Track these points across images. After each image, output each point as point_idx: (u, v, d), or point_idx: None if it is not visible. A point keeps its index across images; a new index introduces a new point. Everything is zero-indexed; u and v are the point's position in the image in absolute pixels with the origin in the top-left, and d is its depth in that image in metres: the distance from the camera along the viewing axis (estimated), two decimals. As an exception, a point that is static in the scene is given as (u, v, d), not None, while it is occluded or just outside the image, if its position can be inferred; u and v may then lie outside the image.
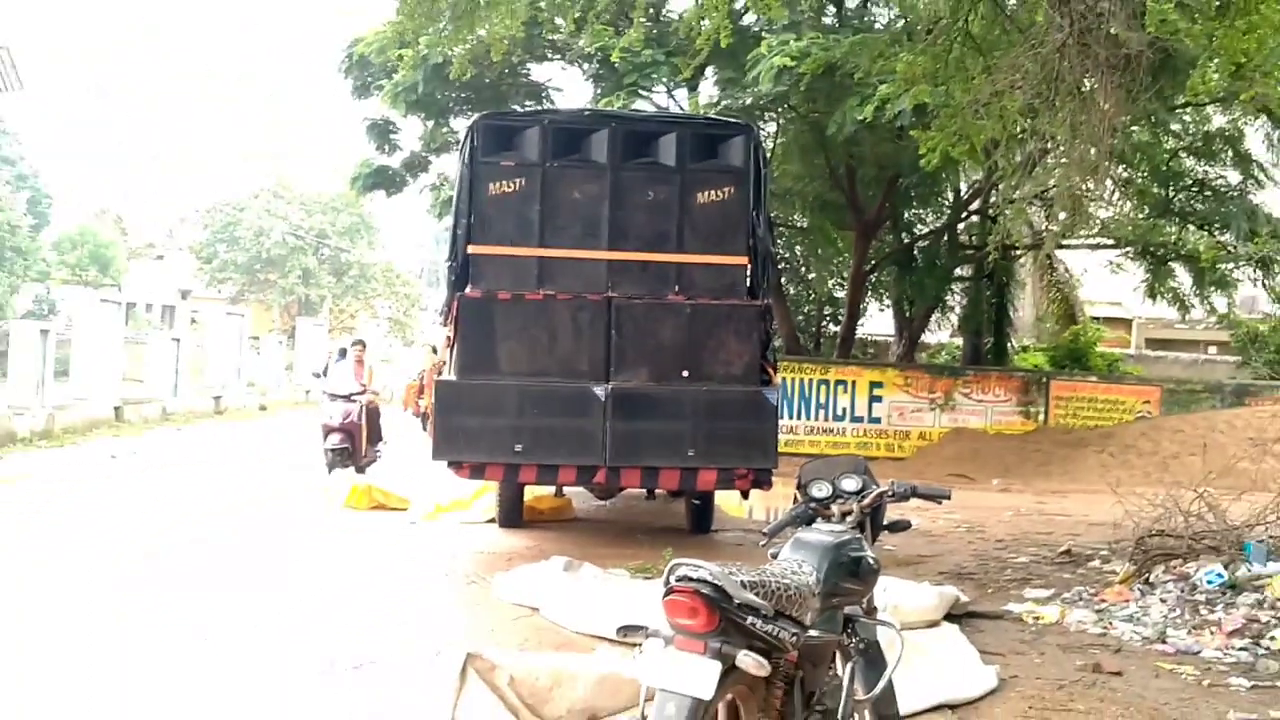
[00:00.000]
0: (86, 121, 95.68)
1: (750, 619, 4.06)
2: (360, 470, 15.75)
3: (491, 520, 12.45)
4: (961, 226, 27.70)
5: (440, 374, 12.45)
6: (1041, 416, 24.09)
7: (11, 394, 20.86)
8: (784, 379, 21.00)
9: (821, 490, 5.34)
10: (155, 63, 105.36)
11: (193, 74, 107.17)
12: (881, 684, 4.86)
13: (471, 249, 11.28)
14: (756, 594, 4.13)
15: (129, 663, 6.69)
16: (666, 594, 4.05)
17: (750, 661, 3.96)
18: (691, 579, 4.02)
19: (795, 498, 5.46)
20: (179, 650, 7.09)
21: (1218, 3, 12.01)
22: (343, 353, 17.30)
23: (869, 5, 22.57)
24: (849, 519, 5.18)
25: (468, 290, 11.17)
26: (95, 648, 7.07)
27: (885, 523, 5.49)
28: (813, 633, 4.41)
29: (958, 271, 27.72)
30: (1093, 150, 12.24)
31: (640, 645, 4.18)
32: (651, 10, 21.23)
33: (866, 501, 5.26)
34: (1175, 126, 22.98)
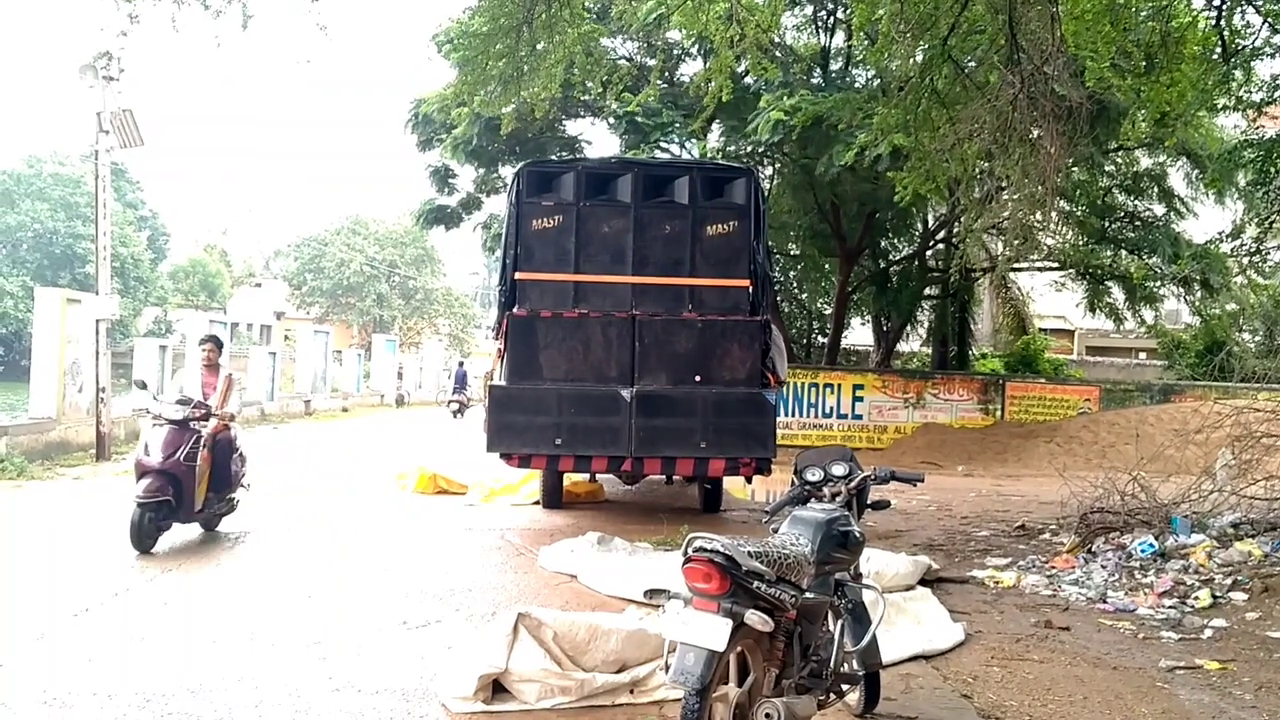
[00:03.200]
0: (197, 171, 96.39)
1: (756, 583, 4.06)
2: (208, 527, 10.04)
3: (536, 502, 12.45)
4: (930, 253, 27.63)
5: (492, 380, 12.45)
6: (998, 413, 23.98)
7: (135, 400, 20.95)
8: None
9: (814, 475, 5.35)
10: (250, 118, 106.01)
11: (282, 124, 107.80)
12: (867, 638, 4.86)
13: (518, 275, 11.32)
14: (761, 562, 4.12)
15: (261, 619, 6.72)
16: (685, 563, 4.06)
17: (756, 619, 3.96)
18: (706, 550, 4.02)
19: (792, 481, 5.47)
20: (295, 608, 7.14)
21: (1145, 62, 11.95)
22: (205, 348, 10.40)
23: (850, 68, 22.52)
24: (838, 499, 5.19)
25: (515, 310, 11.19)
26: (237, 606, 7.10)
27: (869, 502, 5.48)
28: (809, 595, 4.41)
29: (927, 291, 27.65)
30: (1040, 187, 12.23)
31: (663, 606, 4.17)
32: (666, 74, 21.27)
33: (853, 484, 5.27)
34: (1109, 167, 22.98)
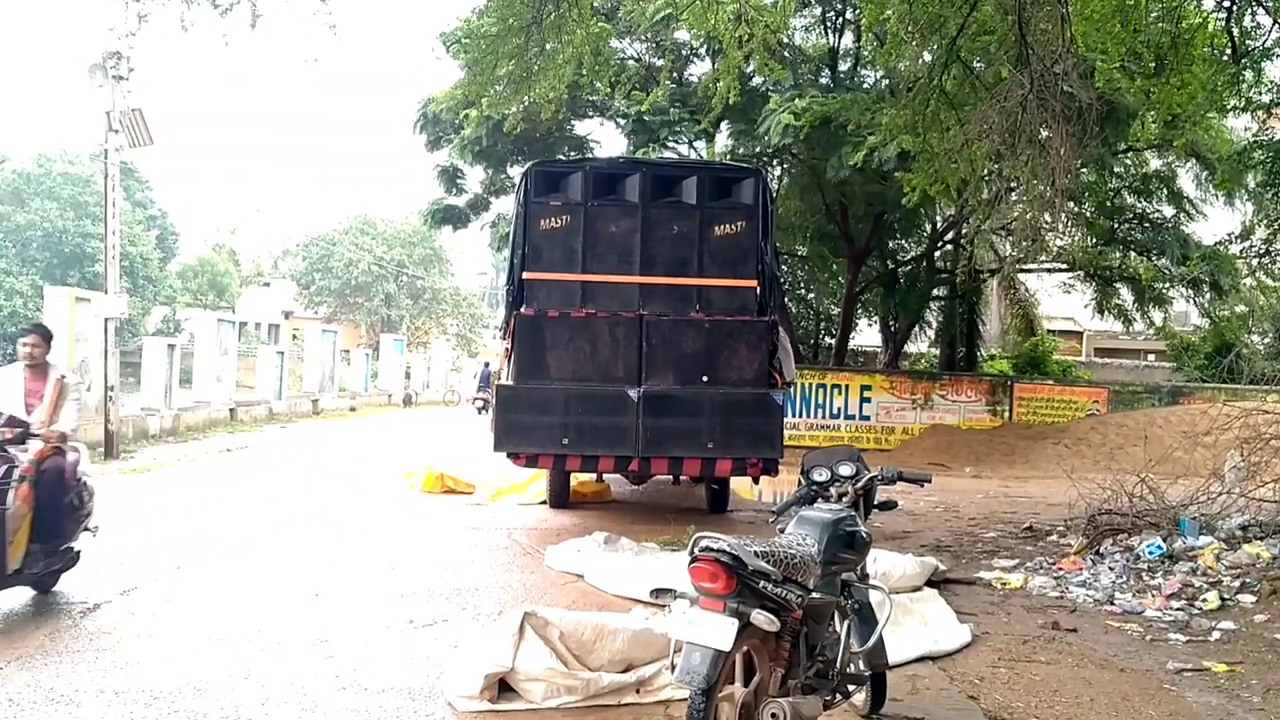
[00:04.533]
0: (206, 170, 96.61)
1: (762, 583, 4.05)
2: (39, 588, 7.24)
3: (543, 502, 12.46)
4: (938, 254, 27.59)
5: (500, 379, 12.46)
6: (1006, 414, 23.93)
7: (144, 398, 21.04)
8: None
9: (821, 475, 5.34)
10: (259, 117, 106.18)
11: (290, 123, 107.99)
12: (874, 638, 4.85)
13: (525, 275, 11.32)
14: (767, 562, 4.12)
15: (268, 618, 6.73)
16: (691, 562, 4.06)
17: (762, 619, 3.95)
18: (712, 549, 4.02)
19: (799, 482, 5.46)
20: (301, 607, 7.16)
21: (1155, 63, 11.93)
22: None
23: (858, 68, 22.52)
24: (845, 499, 5.18)
25: (522, 309, 11.19)
26: (239, 610, 7.12)
27: (876, 503, 5.47)
28: (815, 595, 4.40)
29: (935, 292, 27.61)
30: (1049, 188, 12.18)
31: (669, 605, 4.17)
32: (674, 75, 21.26)
33: (860, 484, 5.26)
34: (1118, 168, 22.91)
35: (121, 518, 10.92)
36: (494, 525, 11.12)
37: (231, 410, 24.42)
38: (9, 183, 51.52)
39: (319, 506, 12.08)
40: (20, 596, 7.18)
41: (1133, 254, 24.71)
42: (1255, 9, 11.77)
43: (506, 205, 23.92)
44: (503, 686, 5.32)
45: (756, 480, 11.93)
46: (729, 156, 20.72)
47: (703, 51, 21.60)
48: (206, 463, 16.90)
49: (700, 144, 22.18)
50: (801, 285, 30.54)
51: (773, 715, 4.12)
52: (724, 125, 21.29)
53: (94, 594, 7.33)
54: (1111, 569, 8.95)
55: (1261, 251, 19.49)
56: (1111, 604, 8.09)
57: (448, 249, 66.49)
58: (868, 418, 23.33)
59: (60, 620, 6.61)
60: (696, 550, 4.07)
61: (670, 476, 13.30)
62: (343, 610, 7.14)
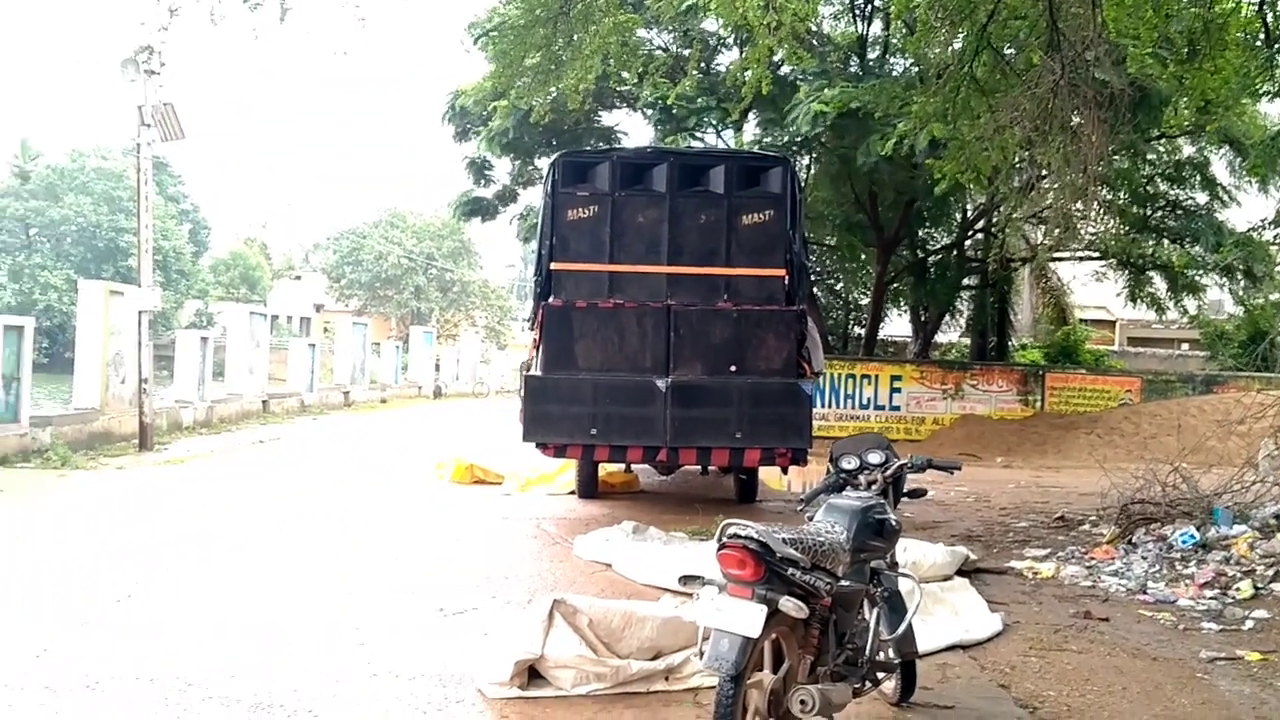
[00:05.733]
0: (237, 163, 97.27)
1: (790, 570, 4.05)
2: None
3: (571, 492, 12.48)
4: (968, 243, 27.44)
5: (529, 370, 12.49)
6: (1038, 404, 23.76)
7: (178, 391, 21.22)
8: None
9: (850, 463, 5.32)
10: (289, 112, 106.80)
11: (319, 116, 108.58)
12: (903, 626, 4.84)
13: (553, 266, 11.32)
14: (796, 550, 4.12)
15: (300, 606, 6.79)
16: (719, 549, 4.06)
17: (791, 605, 3.95)
18: (740, 536, 4.02)
19: (828, 470, 5.44)
20: (333, 595, 7.21)
21: (1188, 49, 11.80)
22: None
23: (887, 56, 22.39)
24: (874, 487, 5.16)
25: (551, 300, 11.20)
26: (264, 598, 7.19)
27: (905, 490, 5.44)
28: (844, 583, 4.39)
29: (965, 281, 27.45)
30: (1081, 176, 12.09)
31: (697, 592, 4.17)
32: (702, 64, 21.22)
33: (889, 472, 5.23)
34: (1151, 155, 22.70)
35: (157, 507, 11.07)
36: (523, 515, 11.16)
37: (264, 402, 24.58)
38: (44, 178, 52.19)
39: (351, 497, 12.17)
40: (54, 586, 7.27)
41: (1165, 241, 24.47)
42: (1290, -7, 11.61)
43: (534, 197, 23.97)
44: (532, 674, 5.34)
45: (785, 470, 11.90)
46: (758, 146, 20.64)
47: (730, 41, 21.53)
48: (240, 454, 17.04)
49: (728, 134, 22.10)
50: (831, 275, 30.42)
51: (801, 702, 4.11)
52: (752, 115, 21.21)
53: (129, 581, 7.41)
54: (1144, 558, 8.88)
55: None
56: (1144, 593, 8.03)
57: (476, 241, 66.70)
58: (898, 408, 23.23)
59: (95, 607, 6.69)
60: (725, 537, 4.07)
61: (698, 467, 13.26)
62: (374, 598, 7.19)
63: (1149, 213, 23.55)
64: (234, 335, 24.61)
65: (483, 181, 25.36)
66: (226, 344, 24.74)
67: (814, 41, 18.92)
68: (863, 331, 28.34)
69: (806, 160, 23.06)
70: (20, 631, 6.11)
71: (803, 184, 16.07)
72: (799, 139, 19.99)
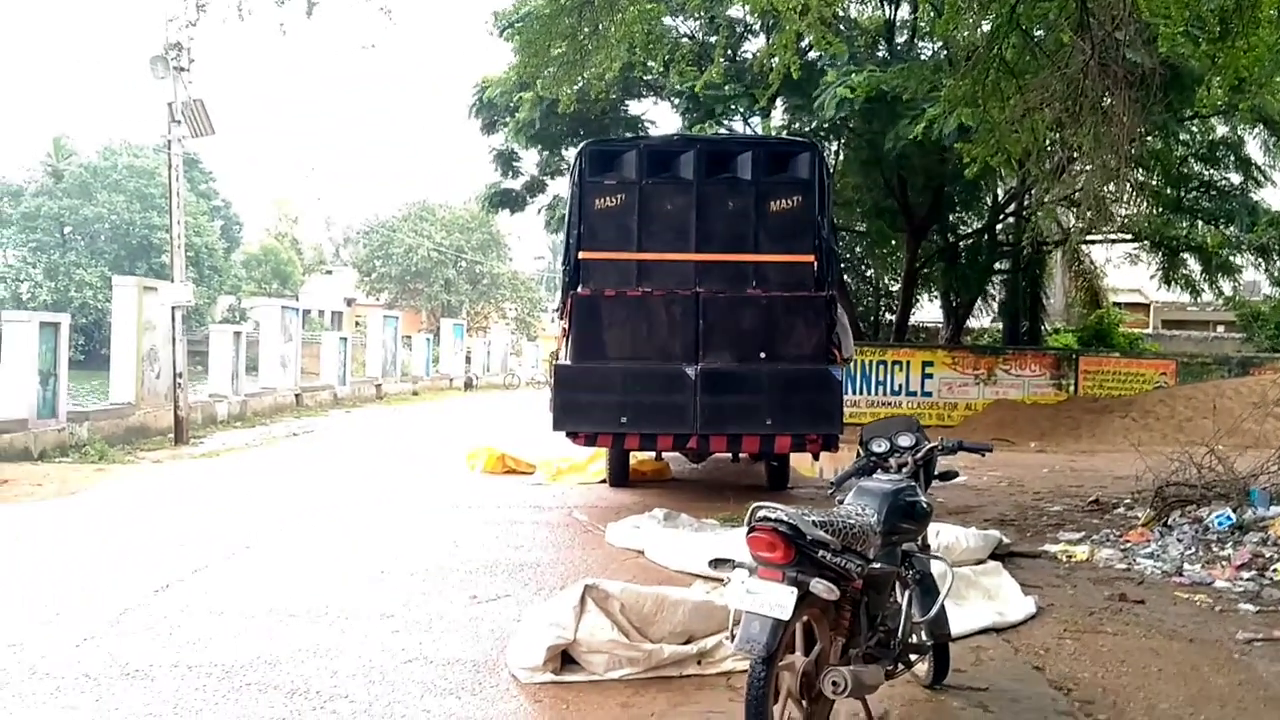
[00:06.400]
0: (268, 159, 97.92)
1: (821, 552, 4.05)
2: None
3: (602, 480, 12.51)
4: (1000, 227, 27.23)
5: (558, 360, 12.52)
6: (1072, 388, 23.56)
7: (212, 385, 21.45)
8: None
9: (880, 446, 5.30)
10: (317, 104, 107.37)
11: (344, 112, 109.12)
12: (935, 608, 4.82)
13: (582, 255, 11.35)
14: (826, 532, 4.11)
15: (335, 594, 6.86)
16: (749, 532, 4.06)
17: (822, 587, 3.95)
18: (770, 519, 4.03)
19: (858, 453, 5.43)
20: (367, 584, 7.28)
21: (1220, 27, 11.65)
22: None
23: (915, 40, 22.24)
24: (905, 470, 5.14)
25: (579, 289, 11.23)
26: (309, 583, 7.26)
27: (937, 473, 5.43)
28: (875, 565, 4.38)
29: (997, 265, 27.24)
30: (1113, 158, 11.98)
31: (728, 576, 4.18)
32: (729, 51, 21.15)
33: (919, 455, 5.21)
34: (1184, 136, 22.42)
35: (194, 500, 11.19)
36: (555, 504, 11.20)
37: (297, 396, 24.79)
38: (77, 177, 52.72)
39: (384, 487, 12.25)
40: (92, 578, 7.38)
41: (1200, 223, 24.22)
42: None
43: (562, 187, 23.96)
44: (565, 658, 5.38)
45: (816, 457, 11.86)
46: (785, 132, 20.57)
47: (757, 28, 21.45)
48: (274, 447, 17.20)
49: (756, 120, 22.03)
50: (861, 261, 30.29)
51: (834, 684, 4.11)
52: (780, 101, 21.13)
53: (167, 572, 7.50)
54: (1180, 540, 8.81)
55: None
56: (1180, 575, 7.97)
57: (505, 233, 66.93)
58: (930, 394, 23.09)
59: (134, 597, 6.78)
60: (754, 520, 4.07)
61: (729, 454, 13.27)
62: (408, 587, 7.25)
63: (1182, 194, 23.29)
64: (266, 330, 24.82)
65: (510, 173, 25.40)
66: (259, 338, 24.98)
67: (841, 26, 18.83)
68: (893, 317, 28.19)
69: (835, 146, 22.97)
70: (61, 621, 6.21)
71: (831, 169, 16.00)
72: (827, 124, 19.90)
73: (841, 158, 22.99)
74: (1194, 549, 8.58)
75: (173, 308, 17.59)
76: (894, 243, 27.23)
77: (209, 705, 4.91)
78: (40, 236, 51.98)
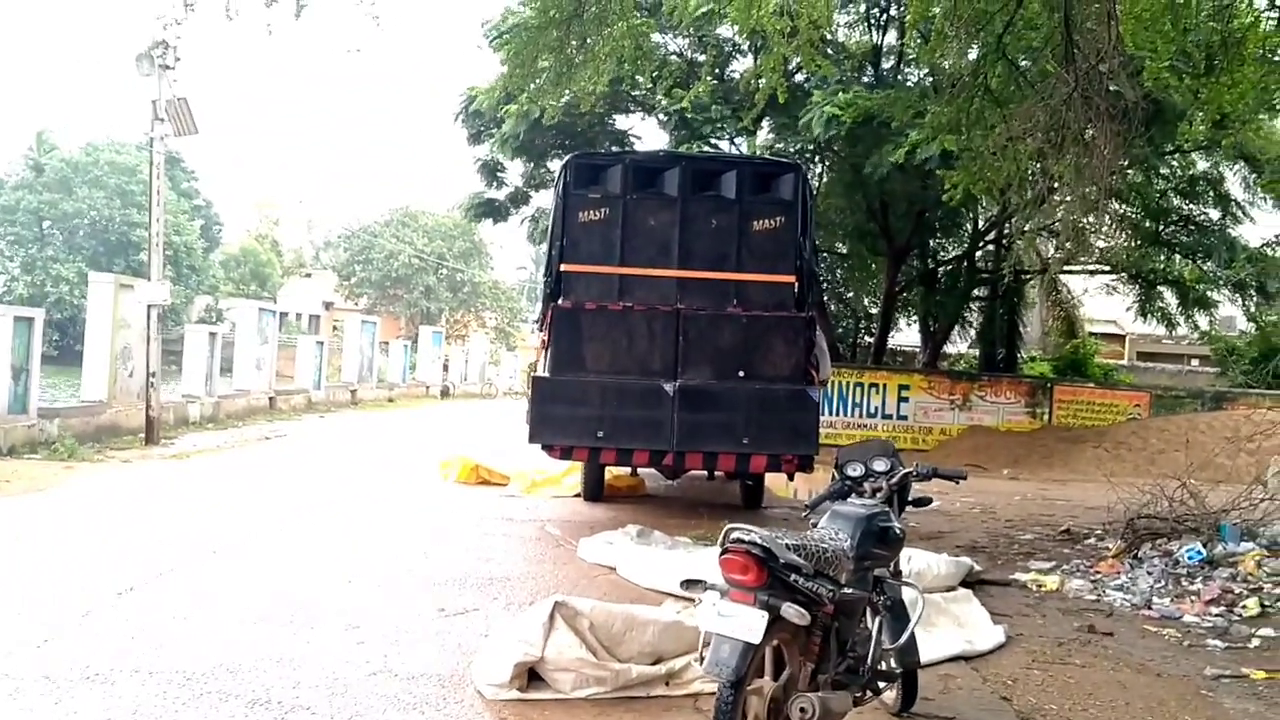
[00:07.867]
0: (252, 161, 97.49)
1: (793, 576, 4.03)
2: None
3: (577, 494, 12.46)
4: (979, 254, 27.35)
5: (536, 371, 12.47)
6: (1046, 416, 23.67)
7: (185, 385, 21.24)
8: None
9: (855, 470, 5.30)
10: (301, 107, 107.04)
11: (329, 113, 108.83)
12: (905, 636, 4.81)
13: (564, 267, 11.32)
14: (799, 556, 4.10)
15: (301, 603, 6.78)
16: (722, 554, 4.04)
17: (793, 612, 3.93)
18: (744, 541, 4.00)
19: (833, 476, 5.42)
20: (334, 592, 7.19)
21: (1205, 63, 11.76)
22: None
23: (902, 66, 22.35)
24: (879, 495, 5.14)
25: (560, 302, 11.19)
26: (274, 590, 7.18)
27: (910, 499, 5.42)
28: (847, 590, 4.36)
29: (975, 292, 27.38)
30: (1093, 189, 12.05)
31: (699, 597, 4.15)
32: (716, 70, 21.20)
33: (894, 480, 5.22)
34: (1165, 170, 22.63)
35: (162, 501, 11.07)
36: (527, 517, 11.14)
37: (271, 399, 24.60)
38: (58, 171, 52.36)
39: (355, 495, 12.16)
40: (56, 578, 7.27)
41: (1177, 256, 24.40)
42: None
43: (546, 199, 23.92)
44: (532, 676, 5.32)
45: (791, 477, 11.87)
46: (770, 152, 20.62)
47: (745, 48, 21.51)
48: (245, 450, 17.05)
49: (741, 140, 22.09)
50: (841, 284, 30.38)
51: (801, 710, 4.08)
52: (765, 120, 21.19)
53: (132, 574, 7.40)
54: (1150, 573, 8.82)
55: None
56: (1149, 608, 7.98)
57: (488, 242, 66.76)
58: (905, 417, 23.14)
59: (99, 599, 6.68)
60: (728, 542, 4.04)
61: (705, 471, 13.26)
62: (375, 597, 7.18)
63: (1161, 227, 23.48)
64: (243, 331, 24.63)
65: (495, 183, 25.38)
66: (235, 340, 24.76)
67: (828, 50, 18.90)
68: (871, 340, 28.28)
69: (819, 168, 23.06)
70: (22, 623, 6.10)
71: (814, 191, 16.03)
72: (811, 145, 19.96)
73: (825, 180, 23.08)
74: (1164, 582, 8.59)
75: (149, 306, 17.42)
76: (874, 266, 27.31)
77: (169, 712, 4.83)
78: (19, 230, 51.61)
